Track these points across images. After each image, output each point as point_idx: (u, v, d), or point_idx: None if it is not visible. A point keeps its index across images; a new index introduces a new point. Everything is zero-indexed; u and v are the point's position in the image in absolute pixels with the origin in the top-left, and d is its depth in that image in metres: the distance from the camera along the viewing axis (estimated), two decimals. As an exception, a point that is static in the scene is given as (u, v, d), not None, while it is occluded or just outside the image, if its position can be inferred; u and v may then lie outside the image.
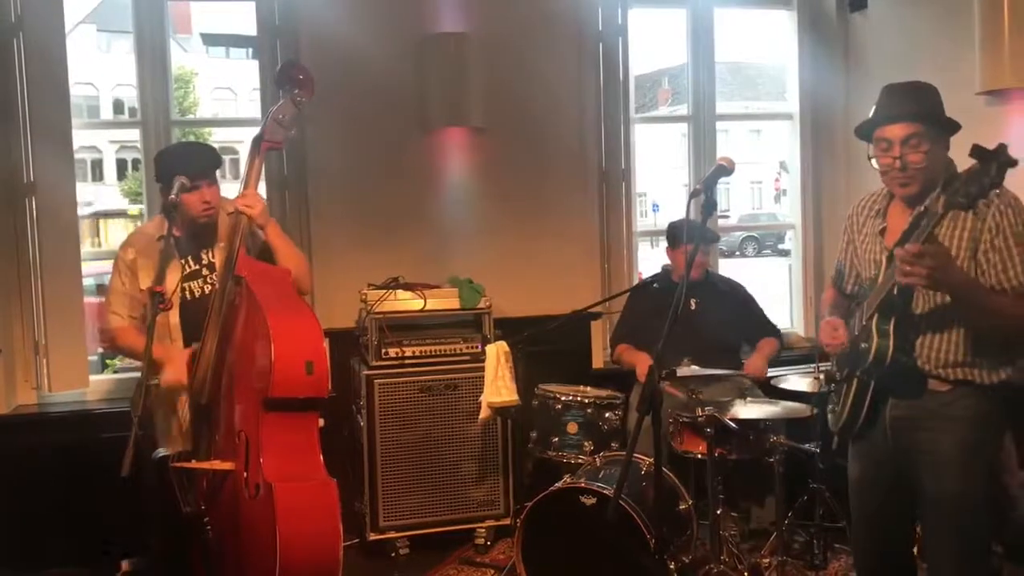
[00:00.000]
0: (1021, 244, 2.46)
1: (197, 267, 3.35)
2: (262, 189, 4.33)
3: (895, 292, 2.50)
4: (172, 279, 3.25)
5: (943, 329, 2.52)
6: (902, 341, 2.53)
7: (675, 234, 4.51)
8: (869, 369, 2.58)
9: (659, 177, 27.90)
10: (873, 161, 2.61)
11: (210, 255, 3.35)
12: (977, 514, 2.57)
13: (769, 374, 4.34)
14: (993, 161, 2.17)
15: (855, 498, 2.83)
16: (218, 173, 3.38)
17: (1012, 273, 2.45)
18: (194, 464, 3.15)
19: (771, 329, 4.56)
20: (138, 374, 3.19)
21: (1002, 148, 2.20)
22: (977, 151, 2.21)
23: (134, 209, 24.13)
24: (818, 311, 5.34)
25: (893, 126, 2.54)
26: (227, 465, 3.03)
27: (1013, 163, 2.21)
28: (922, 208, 2.48)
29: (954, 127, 2.58)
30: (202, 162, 3.25)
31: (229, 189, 3.53)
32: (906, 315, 2.55)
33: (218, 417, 3.17)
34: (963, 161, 2.33)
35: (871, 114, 2.64)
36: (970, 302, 2.44)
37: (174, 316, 3.29)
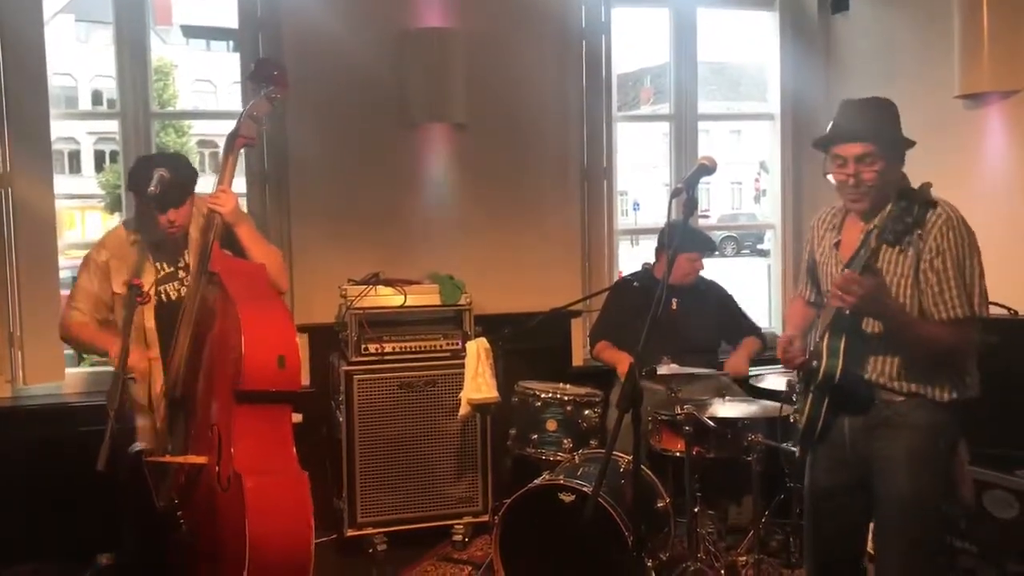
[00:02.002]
0: (959, 267, 2.51)
1: (172, 270, 3.33)
2: (242, 184, 4.33)
3: (845, 312, 2.55)
4: (147, 280, 3.23)
5: (892, 347, 2.58)
6: (853, 359, 2.58)
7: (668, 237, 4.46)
8: (821, 386, 2.63)
9: (640, 176, 27.97)
10: (829, 176, 2.68)
11: (186, 257, 3.34)
12: (926, 518, 2.62)
13: (749, 373, 4.36)
14: (915, 203, 2.26)
15: (810, 502, 2.87)
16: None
17: (948, 296, 2.51)
18: (168, 458, 3.13)
19: (753, 329, 4.57)
20: (114, 368, 3.17)
21: (924, 189, 2.30)
22: (902, 192, 2.34)
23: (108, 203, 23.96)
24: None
25: (848, 144, 2.60)
26: (201, 459, 3.02)
27: (933, 204, 2.35)
28: (872, 227, 2.55)
29: (907, 144, 2.63)
30: (171, 189, 3.14)
31: (207, 184, 3.50)
32: (857, 334, 2.59)
33: (192, 411, 3.15)
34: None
35: (828, 128, 2.69)
36: (903, 332, 2.53)
37: (150, 320, 3.26)
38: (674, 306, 4.31)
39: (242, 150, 3.33)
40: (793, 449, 3.76)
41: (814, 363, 2.62)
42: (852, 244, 2.63)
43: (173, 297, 3.30)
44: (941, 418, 2.59)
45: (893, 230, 2.33)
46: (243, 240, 3.31)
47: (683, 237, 4.04)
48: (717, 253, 24.12)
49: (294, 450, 3.02)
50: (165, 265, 3.33)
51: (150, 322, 3.26)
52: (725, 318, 4.53)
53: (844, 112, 2.66)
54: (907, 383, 2.58)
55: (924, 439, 2.58)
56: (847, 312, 2.54)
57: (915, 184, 2.58)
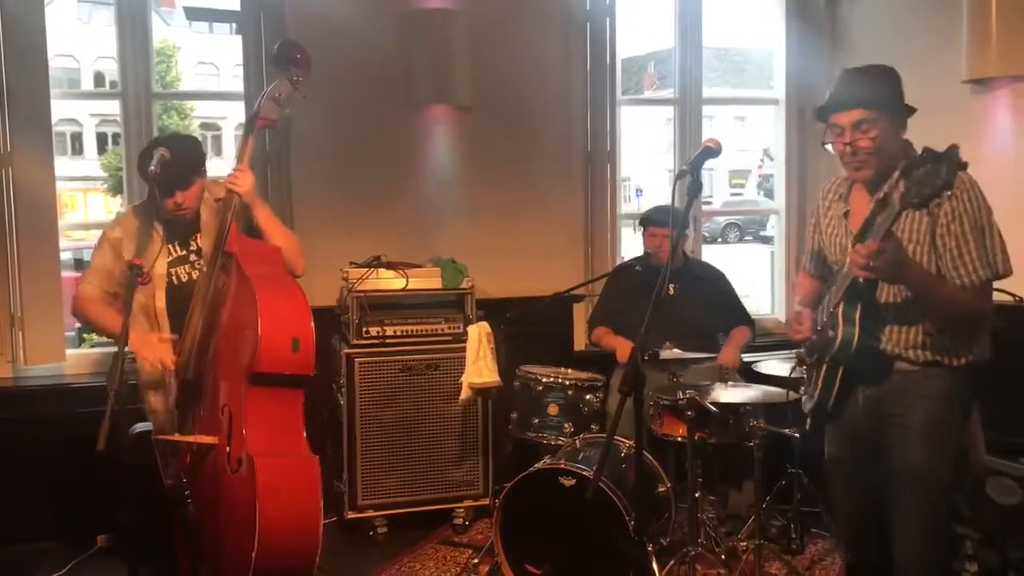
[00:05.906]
0: (977, 230, 2.47)
1: (184, 252, 3.32)
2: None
3: (860, 281, 2.53)
4: (156, 261, 3.22)
5: (909, 316, 2.57)
6: (868, 328, 2.57)
7: (649, 215, 4.46)
8: (837, 356, 2.62)
9: (643, 162, 27.90)
10: (828, 146, 2.64)
11: (198, 241, 3.32)
12: (940, 490, 2.62)
13: (751, 359, 4.36)
14: (944, 164, 2.20)
15: (832, 475, 2.86)
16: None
17: (968, 259, 2.48)
18: (177, 437, 3.14)
19: (744, 317, 4.54)
20: (115, 348, 3.16)
21: (953, 150, 2.23)
22: (929, 154, 2.25)
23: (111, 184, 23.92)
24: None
25: (843, 112, 2.57)
26: (211, 439, 3.01)
27: (963, 166, 2.24)
28: (881, 195, 2.52)
29: (908, 111, 2.60)
30: (176, 170, 3.12)
31: (214, 167, 3.48)
32: (872, 303, 2.58)
33: (203, 392, 3.14)
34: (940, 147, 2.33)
35: (827, 97, 2.65)
36: (928, 294, 2.49)
37: (160, 300, 3.25)
38: (671, 290, 4.28)
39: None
40: (796, 434, 3.75)
41: (829, 333, 2.60)
42: (861, 213, 2.60)
43: (184, 279, 3.29)
44: (958, 386, 2.58)
45: (919, 193, 2.23)
46: (261, 222, 3.28)
47: (657, 211, 4.21)
48: (717, 240, 24.06)
49: (304, 434, 3.01)
50: (177, 247, 3.32)
51: (160, 302, 3.25)
52: (720, 304, 4.48)
53: (841, 81, 2.63)
54: (923, 351, 2.56)
55: (941, 408, 2.57)
56: (862, 281, 2.51)
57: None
